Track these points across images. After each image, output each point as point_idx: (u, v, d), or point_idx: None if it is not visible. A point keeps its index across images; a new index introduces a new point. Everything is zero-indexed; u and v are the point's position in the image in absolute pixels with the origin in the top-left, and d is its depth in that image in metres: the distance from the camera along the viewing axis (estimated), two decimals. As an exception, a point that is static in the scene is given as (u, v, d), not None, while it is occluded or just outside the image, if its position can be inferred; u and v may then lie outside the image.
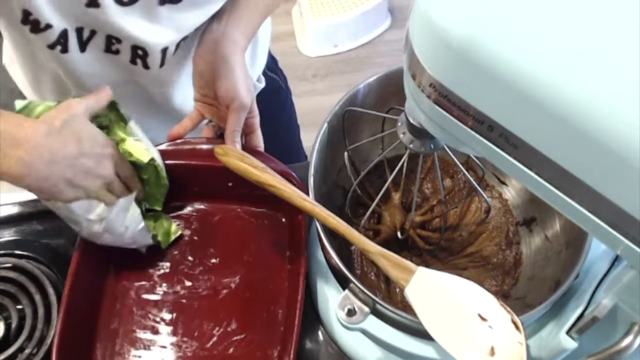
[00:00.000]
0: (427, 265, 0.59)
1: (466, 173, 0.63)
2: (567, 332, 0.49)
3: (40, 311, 0.65)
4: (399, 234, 0.68)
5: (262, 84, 0.89)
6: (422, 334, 0.56)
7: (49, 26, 0.59)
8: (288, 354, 0.58)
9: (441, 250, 0.71)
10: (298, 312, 0.59)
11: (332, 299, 0.63)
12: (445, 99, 0.35)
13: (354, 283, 0.53)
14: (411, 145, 0.51)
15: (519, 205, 0.72)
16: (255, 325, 0.65)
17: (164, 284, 0.67)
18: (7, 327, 0.65)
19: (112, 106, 0.61)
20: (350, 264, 0.70)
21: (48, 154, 0.51)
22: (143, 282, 0.67)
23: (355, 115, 0.65)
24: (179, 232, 0.70)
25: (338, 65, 2.17)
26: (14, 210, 0.76)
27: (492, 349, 0.45)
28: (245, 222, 0.72)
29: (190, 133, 0.69)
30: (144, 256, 0.68)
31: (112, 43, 0.64)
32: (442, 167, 0.74)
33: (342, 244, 0.69)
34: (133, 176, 0.62)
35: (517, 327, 0.46)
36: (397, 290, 0.68)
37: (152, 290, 0.67)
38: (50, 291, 0.67)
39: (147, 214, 0.67)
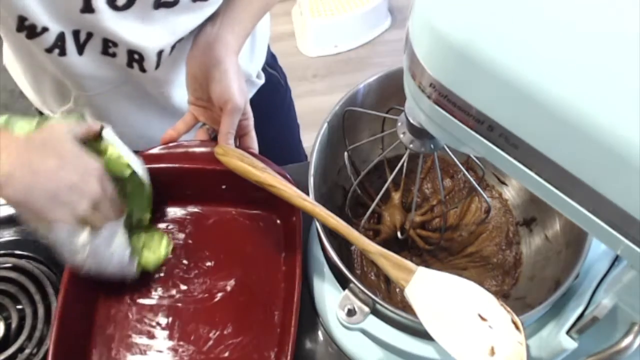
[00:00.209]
0: (427, 265, 0.59)
1: (466, 173, 0.63)
2: (567, 332, 0.49)
3: (40, 311, 0.65)
4: (399, 234, 0.68)
5: (262, 80, 0.88)
6: (422, 334, 0.56)
7: (45, 29, 0.59)
8: (285, 355, 0.58)
9: (441, 250, 0.71)
10: (294, 313, 0.59)
11: (332, 299, 0.63)
12: (445, 99, 0.35)
13: (354, 283, 0.53)
14: (411, 145, 0.51)
15: (519, 205, 0.72)
16: (251, 327, 0.64)
17: (159, 288, 0.67)
18: (7, 327, 0.65)
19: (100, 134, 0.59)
20: (350, 264, 0.70)
21: (28, 165, 0.50)
22: (138, 287, 0.67)
23: (355, 115, 0.65)
24: (170, 249, 0.69)
25: (338, 65, 2.18)
26: (14, 210, 0.76)
27: (492, 349, 0.45)
28: (240, 225, 0.71)
29: (184, 136, 0.69)
30: None
31: (108, 46, 0.64)
32: (442, 167, 0.74)
33: (342, 244, 0.69)
34: (119, 195, 0.59)
35: (517, 327, 0.46)
36: (397, 290, 0.68)
37: (147, 295, 0.67)
38: (50, 291, 0.67)
39: (135, 230, 0.66)
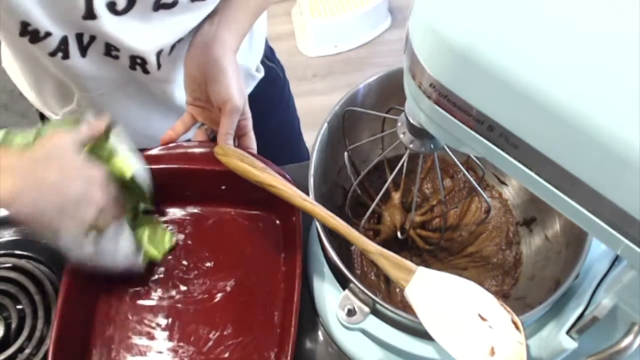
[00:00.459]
0: (427, 265, 0.59)
1: (466, 173, 0.63)
2: (567, 332, 0.49)
3: (40, 311, 0.65)
4: (399, 234, 0.68)
5: (261, 74, 0.88)
6: (422, 334, 0.56)
7: (48, 34, 0.59)
8: (285, 355, 0.58)
9: (441, 250, 0.71)
10: (294, 313, 0.59)
11: (332, 299, 0.63)
12: (445, 99, 0.35)
13: (354, 283, 0.53)
14: (411, 145, 0.51)
15: (519, 205, 0.72)
16: (251, 328, 0.64)
17: (159, 289, 0.67)
18: (7, 327, 0.65)
19: (107, 131, 0.59)
20: (350, 264, 0.70)
21: (34, 181, 0.50)
22: (137, 288, 0.67)
23: (355, 115, 0.65)
24: (174, 241, 0.69)
25: (338, 65, 2.18)
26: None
27: (492, 349, 0.45)
28: (239, 225, 0.71)
29: (183, 136, 0.69)
30: None
31: (111, 49, 0.65)
32: (442, 167, 0.74)
33: (342, 244, 0.69)
34: (120, 195, 0.60)
35: (517, 327, 0.46)
36: (397, 290, 0.68)
37: (147, 296, 0.67)
38: (50, 291, 0.67)
39: (143, 215, 0.67)
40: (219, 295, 0.67)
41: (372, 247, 0.52)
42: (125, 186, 0.61)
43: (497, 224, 0.72)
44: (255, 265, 0.69)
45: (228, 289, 0.67)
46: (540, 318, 0.56)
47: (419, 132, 0.49)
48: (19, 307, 0.66)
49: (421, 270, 0.50)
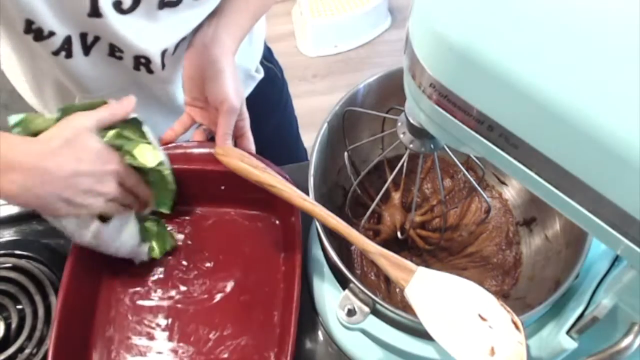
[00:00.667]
0: (427, 265, 0.59)
1: (466, 173, 0.63)
2: (567, 332, 0.49)
3: (40, 311, 0.65)
4: (399, 234, 0.68)
5: (261, 75, 0.89)
6: (422, 334, 0.56)
7: (52, 33, 0.59)
8: (285, 355, 0.58)
9: (441, 250, 0.71)
10: (294, 313, 0.59)
11: (332, 299, 0.63)
12: (445, 99, 0.35)
13: (354, 283, 0.53)
14: (411, 145, 0.51)
15: (519, 205, 0.72)
16: (251, 328, 0.64)
17: (159, 290, 0.67)
18: (7, 327, 0.65)
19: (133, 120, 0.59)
20: (350, 264, 0.70)
21: (40, 176, 0.50)
22: (137, 288, 0.67)
23: (355, 115, 0.65)
24: (174, 242, 0.69)
25: (338, 65, 2.18)
26: (14, 210, 0.76)
27: (492, 349, 0.45)
28: (239, 225, 0.71)
29: (181, 137, 0.69)
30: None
31: (115, 50, 0.65)
32: (442, 167, 0.74)
33: (342, 244, 0.69)
34: (139, 183, 0.60)
35: (517, 327, 0.46)
36: (397, 290, 0.68)
37: (146, 296, 0.67)
38: (50, 291, 0.67)
39: (151, 217, 0.67)
40: (218, 296, 0.67)
41: (372, 247, 0.52)
42: (147, 178, 0.61)
43: (497, 224, 0.72)
44: (255, 266, 0.69)
45: (228, 289, 0.67)
46: (540, 318, 0.56)
47: (419, 132, 0.49)
48: (19, 307, 0.66)
49: (421, 270, 0.50)
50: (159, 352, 0.63)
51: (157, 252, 0.67)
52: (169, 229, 0.70)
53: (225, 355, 0.63)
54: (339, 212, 0.61)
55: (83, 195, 0.53)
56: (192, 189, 0.70)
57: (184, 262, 0.69)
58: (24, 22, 0.57)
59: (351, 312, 0.54)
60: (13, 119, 0.54)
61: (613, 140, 0.28)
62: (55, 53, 0.62)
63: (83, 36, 0.62)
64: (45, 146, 0.51)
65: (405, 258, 0.52)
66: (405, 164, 0.59)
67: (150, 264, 0.68)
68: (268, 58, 0.92)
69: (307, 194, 0.57)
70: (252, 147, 0.68)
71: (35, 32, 0.59)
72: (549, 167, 0.32)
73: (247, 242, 0.70)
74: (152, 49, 0.65)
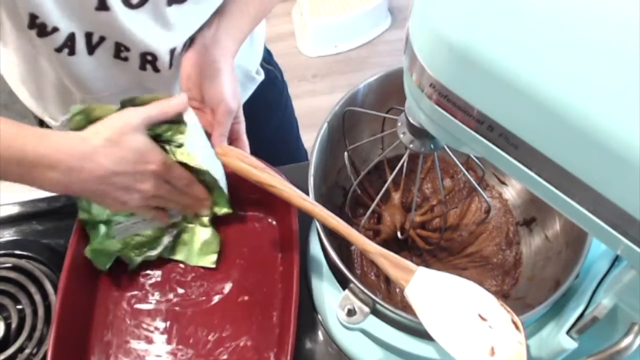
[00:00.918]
0: (427, 265, 0.59)
1: (466, 173, 0.63)
2: (567, 332, 0.49)
3: (40, 311, 0.65)
4: (399, 234, 0.68)
5: (262, 76, 0.89)
6: (422, 334, 0.56)
7: (55, 29, 0.59)
8: (285, 355, 0.58)
9: (441, 250, 0.71)
10: (293, 312, 0.59)
11: (332, 299, 0.63)
12: (445, 99, 0.35)
13: (354, 283, 0.53)
14: (411, 145, 0.51)
15: (519, 205, 0.72)
16: (250, 329, 0.64)
17: (156, 293, 0.67)
18: (7, 327, 0.65)
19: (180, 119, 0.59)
20: (350, 264, 0.70)
21: (78, 175, 0.53)
22: (135, 292, 0.67)
23: (355, 115, 0.65)
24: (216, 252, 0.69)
25: (338, 65, 2.18)
26: (14, 210, 0.76)
27: (492, 349, 0.45)
28: (236, 226, 0.72)
29: None
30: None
31: (121, 50, 0.65)
32: (442, 167, 0.74)
33: (342, 244, 0.69)
34: (192, 183, 0.60)
35: (517, 327, 0.46)
36: (397, 290, 0.68)
37: (144, 300, 0.67)
38: (50, 291, 0.67)
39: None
40: (216, 297, 0.67)
41: (372, 247, 0.52)
42: (201, 177, 0.61)
43: (497, 224, 0.72)
44: (253, 266, 0.69)
45: (226, 290, 0.67)
46: (540, 318, 0.56)
47: (419, 132, 0.49)
48: (19, 307, 0.66)
49: (421, 270, 0.50)
50: (158, 356, 0.63)
51: (181, 257, 0.69)
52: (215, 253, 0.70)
53: (225, 357, 0.63)
54: (339, 212, 0.62)
55: (119, 192, 0.55)
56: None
57: (182, 265, 0.69)
58: (28, 16, 0.57)
59: (351, 312, 0.54)
60: (75, 108, 0.57)
61: (613, 140, 0.28)
62: (58, 50, 0.62)
63: (88, 35, 0.62)
64: (88, 145, 0.53)
65: (405, 258, 0.52)
66: (405, 164, 0.59)
67: (147, 267, 0.68)
68: (268, 60, 0.92)
69: (307, 194, 0.57)
70: (248, 151, 0.68)
71: (39, 27, 0.59)
72: (549, 167, 0.32)
73: (244, 243, 0.70)
74: (160, 47, 0.65)
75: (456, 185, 0.75)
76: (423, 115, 0.39)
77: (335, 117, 0.64)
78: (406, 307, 0.62)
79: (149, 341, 0.64)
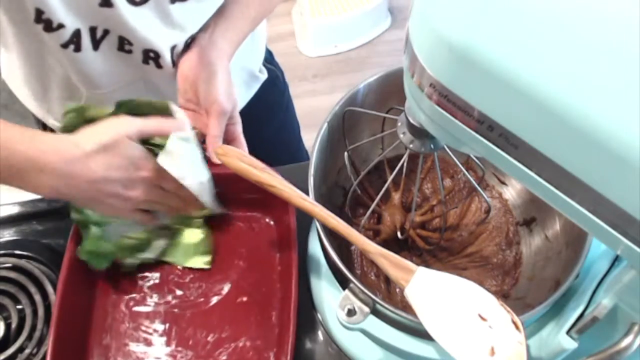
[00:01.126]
0: (427, 265, 0.59)
1: (466, 173, 0.63)
2: (567, 332, 0.49)
3: (40, 311, 0.65)
4: (399, 234, 0.68)
5: (265, 75, 0.89)
6: (422, 334, 0.56)
7: (61, 26, 0.59)
8: (285, 355, 0.58)
9: (441, 250, 0.71)
10: (292, 312, 0.59)
11: (332, 299, 0.63)
12: (445, 99, 0.35)
13: (354, 283, 0.53)
14: (411, 145, 0.51)
15: (519, 205, 0.72)
16: (249, 329, 0.64)
17: (155, 295, 0.67)
18: (7, 327, 0.65)
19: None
20: (350, 264, 0.70)
21: (67, 180, 0.53)
22: (133, 295, 0.67)
23: (355, 115, 0.65)
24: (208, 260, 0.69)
25: (338, 65, 2.18)
26: (14, 210, 0.76)
27: (492, 349, 0.45)
28: (234, 227, 0.72)
29: None
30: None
31: (124, 43, 0.65)
32: (442, 167, 0.74)
33: (342, 244, 0.69)
34: (181, 187, 0.60)
35: (517, 327, 0.46)
36: (397, 290, 0.68)
37: (143, 302, 0.66)
38: (50, 291, 0.67)
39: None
40: (215, 298, 0.67)
41: (372, 247, 0.52)
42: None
43: (497, 224, 0.72)
44: (251, 266, 0.69)
45: (224, 291, 0.67)
46: (540, 318, 0.56)
47: (419, 132, 0.49)
48: (19, 307, 0.66)
49: (421, 270, 0.50)
50: (157, 358, 0.63)
51: (174, 260, 0.69)
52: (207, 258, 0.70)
53: (225, 358, 0.63)
54: (339, 212, 0.62)
55: (110, 198, 0.56)
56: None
57: (179, 266, 0.69)
58: (35, 11, 0.58)
59: (351, 312, 0.54)
60: (69, 105, 0.57)
61: (613, 140, 0.28)
62: (64, 46, 0.62)
63: (92, 30, 0.62)
64: (79, 150, 0.53)
65: (405, 258, 0.52)
66: (405, 164, 0.59)
67: (145, 269, 0.68)
68: (269, 60, 0.93)
69: (307, 194, 0.57)
70: (245, 152, 0.68)
71: (45, 22, 0.59)
72: (549, 167, 0.32)
73: (242, 243, 0.70)
74: (161, 44, 0.65)
75: (456, 185, 0.75)
76: (423, 115, 0.39)
77: (335, 117, 0.64)
78: (406, 307, 0.62)
79: (148, 343, 0.64)
